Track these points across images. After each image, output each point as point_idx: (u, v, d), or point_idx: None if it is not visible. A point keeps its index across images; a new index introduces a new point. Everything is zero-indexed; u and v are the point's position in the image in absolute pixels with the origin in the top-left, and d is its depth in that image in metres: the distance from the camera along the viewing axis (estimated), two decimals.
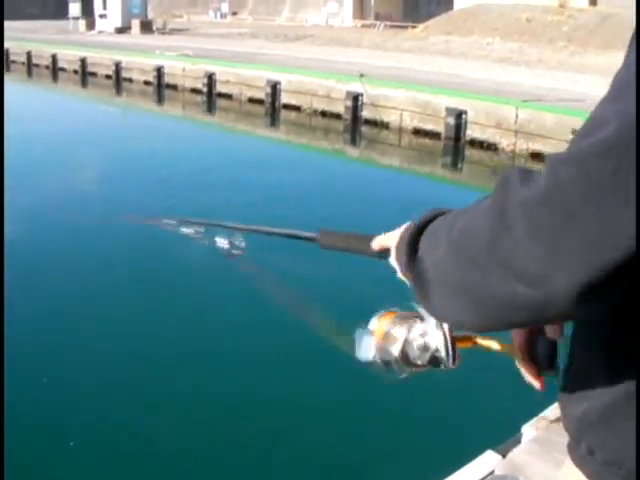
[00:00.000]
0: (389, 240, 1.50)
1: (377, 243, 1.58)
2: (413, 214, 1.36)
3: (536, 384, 1.40)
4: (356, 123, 20.85)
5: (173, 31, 48.26)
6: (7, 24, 57.35)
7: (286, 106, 23.44)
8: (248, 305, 8.68)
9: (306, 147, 20.51)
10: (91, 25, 50.07)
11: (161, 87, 29.30)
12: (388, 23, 50.33)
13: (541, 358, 1.39)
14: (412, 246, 1.29)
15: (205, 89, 26.77)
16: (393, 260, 1.45)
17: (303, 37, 41.01)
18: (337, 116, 21.54)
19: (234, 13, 65.96)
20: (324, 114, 22.08)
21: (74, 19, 52.50)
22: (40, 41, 40.07)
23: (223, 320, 8.90)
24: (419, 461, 5.95)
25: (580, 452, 1.30)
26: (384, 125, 20.16)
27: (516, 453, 4.12)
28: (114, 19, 48.60)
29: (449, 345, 1.39)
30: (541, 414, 4.46)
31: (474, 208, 1.16)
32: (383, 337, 1.47)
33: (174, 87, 28.70)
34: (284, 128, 23.27)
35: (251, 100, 24.81)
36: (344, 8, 56.47)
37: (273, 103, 23.74)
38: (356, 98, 20.91)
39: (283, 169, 16.58)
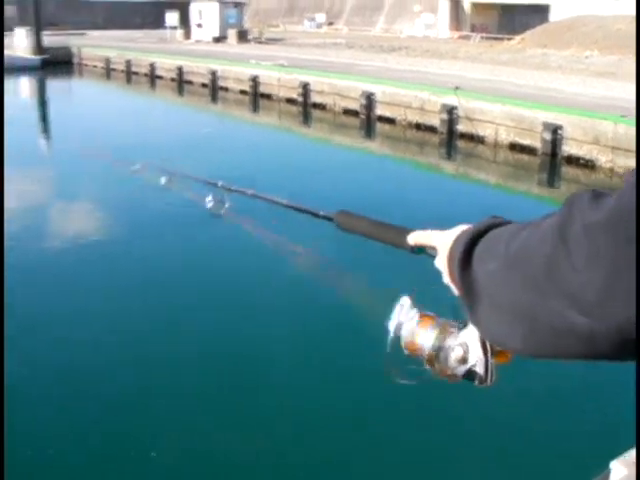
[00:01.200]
0: (433, 239, 1.45)
1: (415, 238, 1.53)
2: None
3: None
4: (451, 137, 20.71)
5: (269, 41, 48.79)
6: (110, 33, 58.92)
7: (380, 118, 23.44)
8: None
9: (402, 160, 20.45)
10: (188, 34, 50.99)
11: (256, 96, 29.59)
12: (484, 35, 50.03)
13: None
14: (467, 253, 1.20)
15: (300, 99, 26.95)
16: (440, 262, 1.37)
17: (398, 48, 41.01)
18: (431, 129, 21.43)
19: (330, 23, 66.35)
20: (419, 127, 21.99)
21: (172, 28, 53.49)
22: (139, 50, 40.96)
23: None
24: None
25: None
26: (479, 139, 19.98)
27: None
28: (211, 28, 49.37)
29: (489, 363, 1.32)
30: (632, 449, 4.34)
31: (537, 224, 1.08)
32: (413, 343, 1.40)
33: (269, 96, 28.97)
34: (379, 140, 23.24)
35: (345, 111, 24.86)
36: (440, 19, 56.32)
37: (368, 114, 23.75)
38: (451, 111, 20.80)
39: (379, 182, 16.59)
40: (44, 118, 30.09)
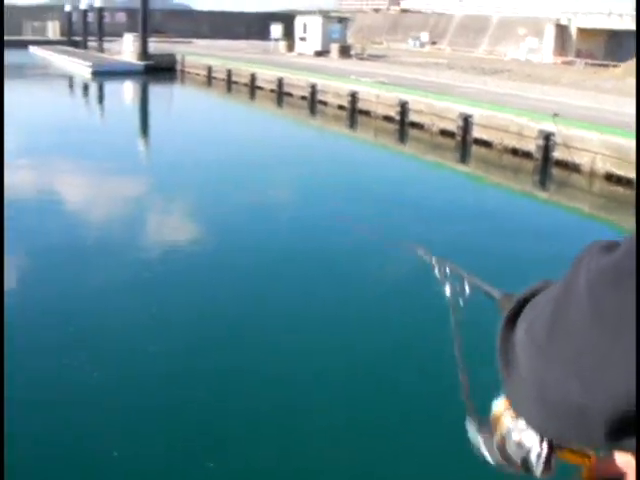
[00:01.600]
0: None
1: None
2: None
3: None
4: (546, 164, 20.38)
5: (370, 57, 48.97)
6: (215, 42, 59.96)
7: (477, 141, 23.25)
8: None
9: (496, 185, 20.21)
10: (291, 47, 51.64)
11: (354, 112, 29.72)
12: (588, 61, 49.32)
13: None
14: (511, 321, 1.05)
15: (398, 117, 26.95)
16: None
17: (500, 71, 40.72)
18: (527, 155, 21.16)
19: (433, 42, 66.27)
20: (515, 152, 21.72)
21: (275, 40, 54.30)
22: (242, 60, 41.71)
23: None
24: None
25: None
26: (575, 168, 19.63)
27: None
28: (314, 42, 49.89)
29: (542, 451, 1.16)
30: None
31: (554, 284, 0.97)
32: (496, 422, 1.26)
33: (367, 113, 29.07)
34: (474, 163, 23.02)
35: (442, 132, 24.75)
36: (544, 44, 55.70)
37: (464, 137, 23.59)
38: (548, 137, 20.50)
39: (471, 206, 16.49)
40: (145, 121, 30.79)
